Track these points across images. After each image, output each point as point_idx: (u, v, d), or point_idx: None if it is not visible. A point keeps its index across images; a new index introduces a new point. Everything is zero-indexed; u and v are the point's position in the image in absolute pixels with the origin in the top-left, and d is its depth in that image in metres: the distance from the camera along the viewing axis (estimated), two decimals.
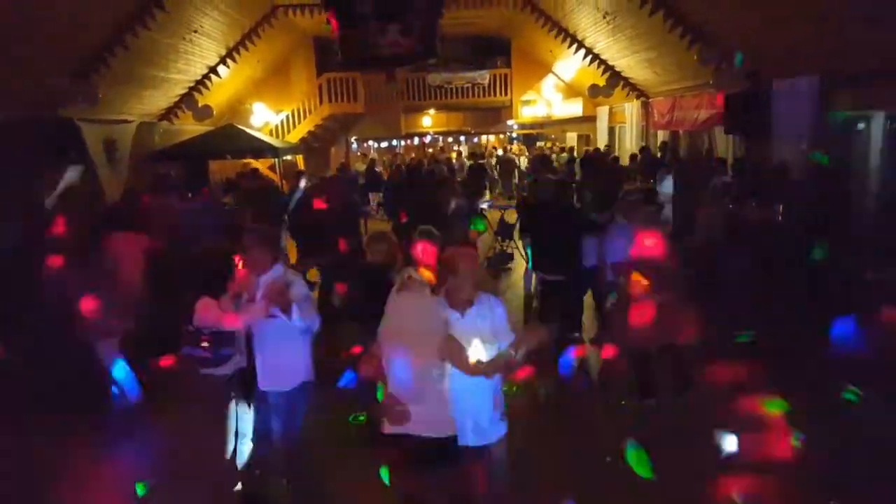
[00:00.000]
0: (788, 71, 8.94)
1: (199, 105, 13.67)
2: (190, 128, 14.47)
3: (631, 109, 15.61)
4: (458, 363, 3.10)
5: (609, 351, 5.26)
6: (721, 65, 9.90)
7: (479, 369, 3.06)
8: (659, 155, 13.26)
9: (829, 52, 8.01)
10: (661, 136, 14.57)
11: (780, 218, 7.61)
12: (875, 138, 8.13)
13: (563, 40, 15.13)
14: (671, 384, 5.18)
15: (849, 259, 6.89)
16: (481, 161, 18.85)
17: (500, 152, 22.22)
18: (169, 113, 13.67)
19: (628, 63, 14.11)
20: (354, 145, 23.02)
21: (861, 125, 8.35)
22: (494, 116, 22.19)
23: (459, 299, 3.15)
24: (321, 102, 18.06)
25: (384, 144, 24.79)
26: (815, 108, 8.51)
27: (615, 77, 14.88)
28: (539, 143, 23.13)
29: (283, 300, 3.41)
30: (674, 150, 13.13)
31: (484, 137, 26.53)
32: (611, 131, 17.68)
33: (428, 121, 23.00)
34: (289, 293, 3.45)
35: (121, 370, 5.43)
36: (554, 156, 17.78)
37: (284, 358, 3.72)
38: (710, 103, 11.24)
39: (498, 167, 19.18)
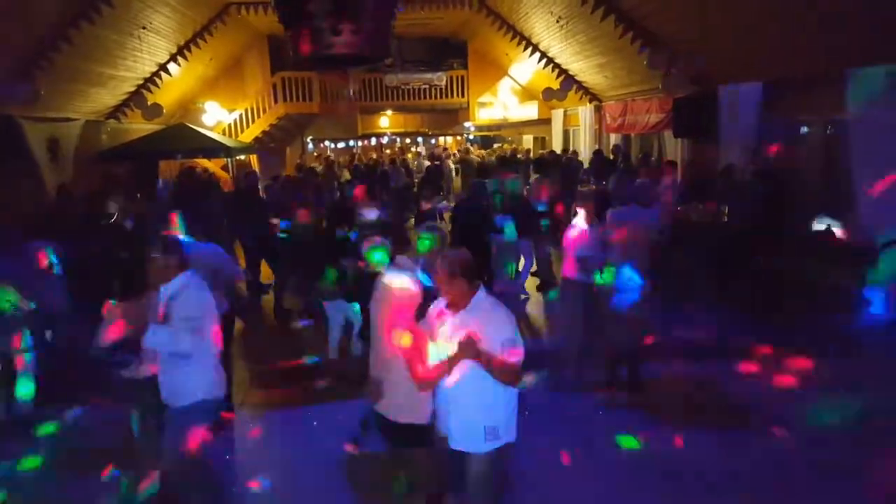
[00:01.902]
0: (734, 76, 9.25)
1: (149, 103, 13.31)
2: (139, 127, 14.09)
3: (584, 113, 15.89)
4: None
5: None
6: (670, 70, 10.16)
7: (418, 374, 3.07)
8: (611, 157, 13.53)
9: (772, 59, 8.33)
10: (614, 139, 14.87)
11: (724, 219, 7.86)
12: (815, 142, 8.50)
13: (518, 43, 15.32)
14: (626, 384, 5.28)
15: (788, 259, 7.19)
16: (437, 162, 18.88)
17: (456, 154, 22.31)
18: (117, 111, 13.28)
19: (581, 67, 14.37)
20: (310, 145, 22.79)
21: (804, 129, 8.72)
22: (451, 118, 22.28)
23: (451, 301, 3.09)
24: (276, 102, 17.81)
25: (341, 145, 24.60)
26: (759, 113, 8.84)
27: (569, 81, 15.12)
28: (496, 145, 23.32)
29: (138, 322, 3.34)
30: (625, 153, 13.42)
31: (441, 139, 26.60)
32: (565, 134, 17.95)
33: (385, 121, 22.94)
34: (144, 314, 3.37)
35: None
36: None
37: (179, 373, 3.55)
38: (659, 107, 11.55)
39: (459, 169, 19.21)
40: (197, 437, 3.50)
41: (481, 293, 3.05)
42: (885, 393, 4.83)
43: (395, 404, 3.32)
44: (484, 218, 6.48)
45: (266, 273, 8.88)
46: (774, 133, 8.93)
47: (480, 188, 6.92)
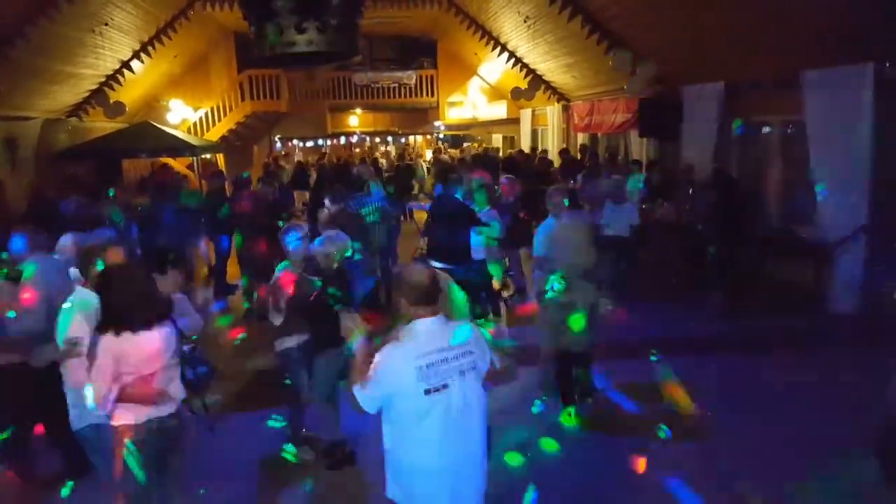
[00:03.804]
0: (697, 77, 9.44)
1: (111, 101, 13.03)
2: (102, 125, 13.78)
3: (552, 112, 16.03)
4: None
5: None
6: (635, 71, 10.32)
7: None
8: (579, 157, 13.69)
9: (734, 61, 8.51)
10: (581, 138, 15.05)
11: (685, 218, 8.02)
12: (774, 141, 8.72)
13: (487, 43, 15.39)
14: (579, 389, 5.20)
15: (750, 256, 7.38)
16: (409, 162, 18.87)
17: (429, 154, 22.33)
18: (78, 109, 12.97)
19: (549, 67, 14.49)
20: (279, 144, 22.57)
21: (766, 129, 8.94)
22: (421, 117, 22.27)
23: None
24: (243, 99, 17.59)
25: (310, 144, 24.41)
26: (721, 113, 9.04)
27: (536, 81, 15.25)
28: (466, 144, 23.38)
29: None
30: (593, 153, 13.58)
31: (412, 138, 26.57)
32: (534, 133, 18.09)
33: (355, 120, 22.81)
34: None
35: None
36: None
37: None
38: (625, 107, 11.71)
39: (433, 168, 19.19)
40: None
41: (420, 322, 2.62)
42: (841, 387, 5.00)
43: None
44: (460, 214, 6.49)
45: (233, 273, 8.77)
46: (735, 133, 9.18)
47: (456, 184, 6.92)
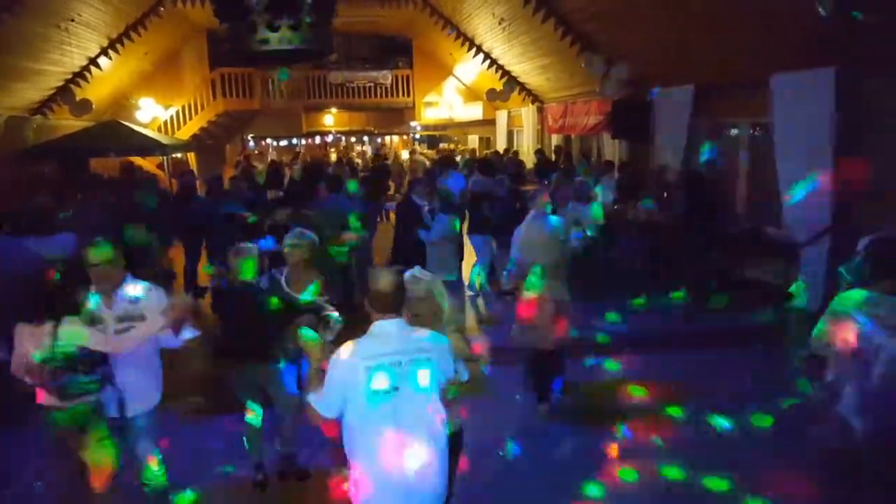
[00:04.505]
0: (667, 80, 9.56)
1: (77, 99, 12.73)
2: (69, 123, 13.45)
3: (527, 114, 16.11)
4: None
5: None
6: (607, 73, 10.42)
7: None
8: (553, 158, 13.76)
9: (703, 64, 8.64)
10: (556, 139, 15.15)
11: (656, 217, 8.12)
12: (742, 143, 8.87)
13: (463, 44, 15.40)
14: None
15: (719, 255, 7.50)
16: (385, 162, 18.78)
17: (405, 154, 22.28)
18: (43, 107, 12.65)
19: (523, 69, 14.56)
20: (252, 143, 22.33)
21: (734, 131, 9.09)
22: (397, 117, 22.18)
23: None
24: (214, 98, 17.37)
25: (284, 143, 24.20)
26: (691, 115, 9.17)
27: (512, 82, 15.31)
28: (442, 145, 23.38)
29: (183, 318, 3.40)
30: (567, 154, 13.67)
31: (388, 138, 26.49)
32: (510, 134, 18.17)
33: (330, 120, 22.66)
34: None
35: None
36: (459, 157, 18.02)
37: (151, 375, 3.59)
38: (598, 109, 11.82)
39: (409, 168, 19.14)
40: None
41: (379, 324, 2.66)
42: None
43: None
44: (410, 216, 6.62)
45: (203, 275, 8.63)
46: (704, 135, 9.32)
47: (416, 185, 7.10)
